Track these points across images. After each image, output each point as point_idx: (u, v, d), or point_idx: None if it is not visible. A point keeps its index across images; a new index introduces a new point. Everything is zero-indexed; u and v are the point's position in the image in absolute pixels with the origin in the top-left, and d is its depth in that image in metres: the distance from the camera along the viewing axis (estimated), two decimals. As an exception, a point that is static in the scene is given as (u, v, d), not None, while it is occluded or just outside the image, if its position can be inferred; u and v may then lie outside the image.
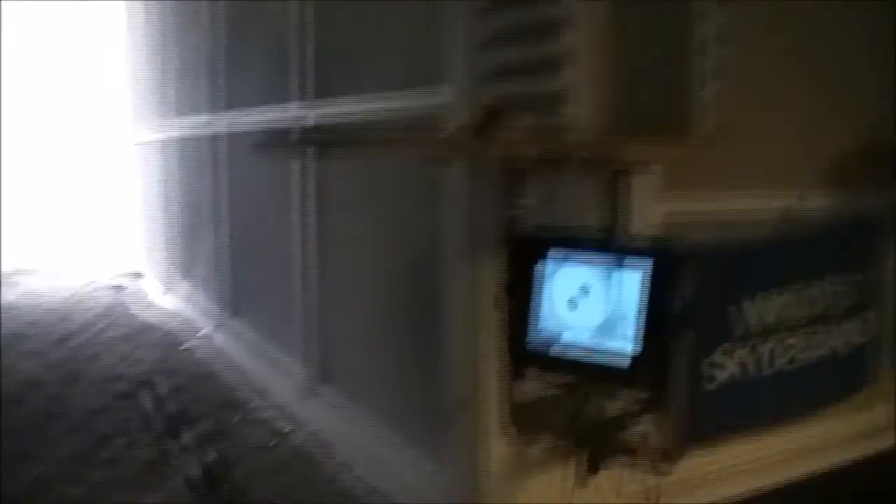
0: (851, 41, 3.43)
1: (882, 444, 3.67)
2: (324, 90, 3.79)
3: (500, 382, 2.32)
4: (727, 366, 3.05)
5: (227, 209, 5.39)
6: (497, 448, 2.63)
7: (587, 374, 2.11)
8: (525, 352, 2.20)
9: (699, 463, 2.89)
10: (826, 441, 3.52)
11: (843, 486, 3.26)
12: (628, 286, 2.08)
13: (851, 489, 3.25)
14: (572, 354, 2.14)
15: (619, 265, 2.10)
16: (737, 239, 3.05)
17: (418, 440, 3.06)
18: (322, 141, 1.95)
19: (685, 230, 2.94)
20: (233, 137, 5.18)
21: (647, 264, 2.06)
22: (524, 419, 2.34)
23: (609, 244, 2.17)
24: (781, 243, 3.24)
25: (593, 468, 2.22)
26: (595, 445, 2.21)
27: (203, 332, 5.44)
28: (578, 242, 2.20)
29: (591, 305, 2.13)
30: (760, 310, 3.15)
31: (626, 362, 2.06)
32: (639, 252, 2.09)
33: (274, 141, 2.44)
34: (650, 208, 2.77)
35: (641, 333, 2.04)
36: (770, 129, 3.16)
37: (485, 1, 2.45)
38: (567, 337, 2.15)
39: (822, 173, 3.41)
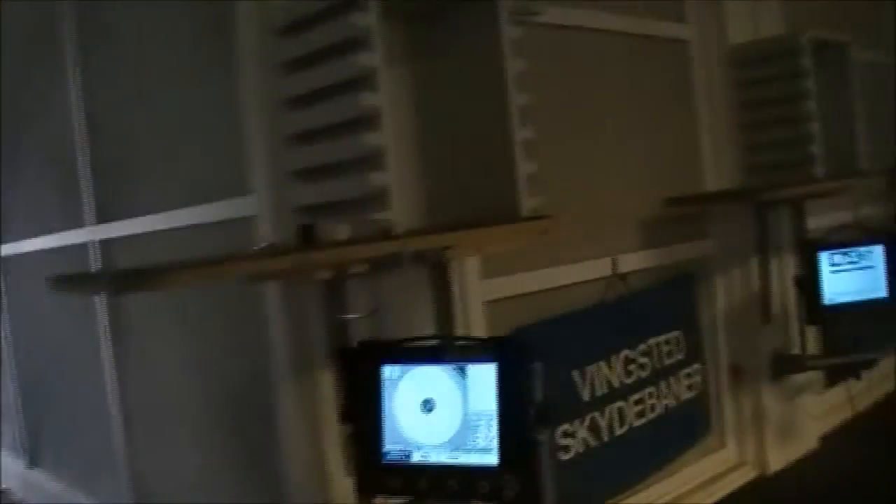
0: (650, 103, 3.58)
1: (745, 476, 3.79)
2: (118, 208, 3.49)
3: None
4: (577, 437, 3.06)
5: (13, 348, 4.86)
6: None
7: (450, 483, 1.94)
8: (379, 467, 2.01)
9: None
10: (691, 488, 3.59)
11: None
12: (477, 390, 1.95)
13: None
14: (433, 462, 1.97)
15: (463, 370, 1.97)
16: (560, 313, 3.10)
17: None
18: (123, 282, 1.71)
19: (510, 311, 2.95)
20: (18, 265, 4.71)
21: (492, 366, 1.94)
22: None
23: (447, 348, 2.03)
24: (605, 311, 3.32)
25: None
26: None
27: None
28: (415, 349, 2.06)
29: (441, 415, 1.99)
30: (594, 379, 3.21)
31: (491, 465, 1.91)
32: (483, 354, 1.96)
33: (71, 281, 2.16)
34: (472, 296, 2.72)
35: (501, 436, 1.91)
36: (580, 200, 3.23)
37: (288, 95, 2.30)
38: (423, 448, 1.99)
39: (637, 236, 3.52)
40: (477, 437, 1.94)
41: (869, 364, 3.77)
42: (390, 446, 2.01)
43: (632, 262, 3.46)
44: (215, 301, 2.82)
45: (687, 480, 3.69)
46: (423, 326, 2.50)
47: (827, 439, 4.17)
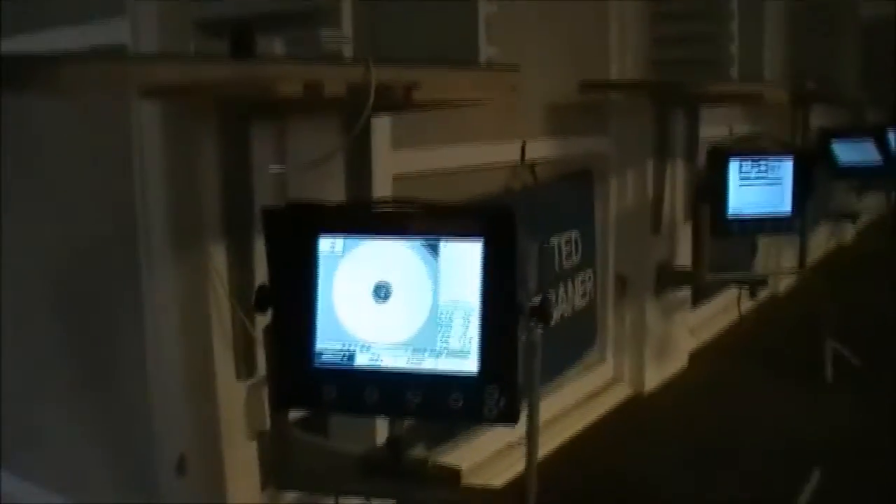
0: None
1: (621, 394, 3.58)
2: None
3: (255, 422, 1.61)
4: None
5: None
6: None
7: (409, 396, 1.47)
8: (307, 373, 1.50)
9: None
10: (570, 405, 3.35)
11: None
12: (453, 275, 1.48)
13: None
14: (386, 368, 1.49)
15: (435, 247, 1.49)
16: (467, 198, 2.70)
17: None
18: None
19: (417, 190, 2.50)
20: None
21: (477, 243, 1.47)
22: (302, 471, 1.64)
23: (413, 217, 1.52)
24: (511, 201, 2.95)
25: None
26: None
27: None
28: (366, 217, 1.55)
29: (400, 306, 1.50)
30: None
31: (467, 373, 1.45)
32: (464, 228, 1.48)
33: None
34: (383, 167, 2.23)
35: (484, 336, 1.46)
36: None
37: None
38: (373, 348, 1.50)
39: (543, 123, 3.16)
40: (449, 337, 1.47)
41: (765, 282, 3.64)
42: (325, 344, 1.51)
43: (538, 149, 3.07)
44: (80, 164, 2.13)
45: (567, 397, 3.43)
46: (334, 194, 1.99)
47: (694, 357, 4.06)
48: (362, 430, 2.07)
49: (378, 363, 1.49)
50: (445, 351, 1.47)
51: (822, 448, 2.96)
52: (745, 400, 3.52)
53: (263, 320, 1.77)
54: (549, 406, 3.30)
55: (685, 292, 3.95)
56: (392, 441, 1.54)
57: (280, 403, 1.53)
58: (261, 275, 1.82)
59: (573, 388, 3.46)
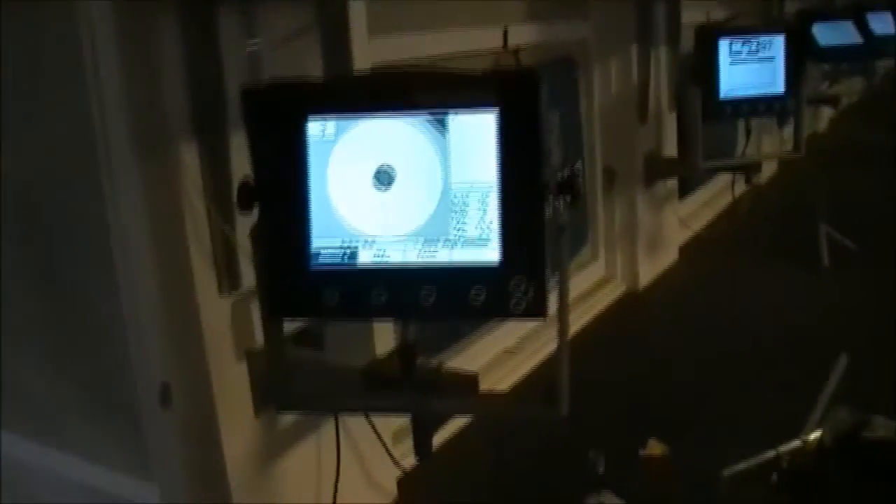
0: None
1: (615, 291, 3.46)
2: None
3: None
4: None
5: None
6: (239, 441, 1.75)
7: (424, 292, 1.29)
8: (303, 277, 1.31)
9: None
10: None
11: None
12: (465, 152, 1.29)
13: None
14: (394, 263, 1.30)
15: (442, 122, 1.29)
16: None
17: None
18: None
19: None
20: None
21: (491, 113, 1.27)
22: (303, 390, 1.46)
23: (415, 88, 1.31)
24: None
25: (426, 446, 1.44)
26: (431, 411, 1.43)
27: None
28: (359, 93, 1.33)
29: (406, 192, 1.31)
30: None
31: (488, 263, 1.28)
32: (476, 96, 1.28)
33: None
34: (360, 56, 2.02)
35: (504, 220, 1.27)
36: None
37: None
38: (377, 243, 1.31)
39: (526, 7, 2.95)
40: (464, 224, 1.29)
41: (759, 167, 3.49)
42: (322, 243, 1.32)
43: (518, 35, 2.86)
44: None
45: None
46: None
47: (686, 249, 3.94)
48: (360, 344, 1.91)
49: (384, 259, 1.31)
50: (461, 240, 1.29)
51: (832, 333, 2.87)
52: (745, 290, 3.41)
53: (248, 223, 1.58)
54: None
55: (672, 183, 3.79)
56: (404, 348, 1.37)
57: (274, 314, 1.34)
58: (240, 173, 1.62)
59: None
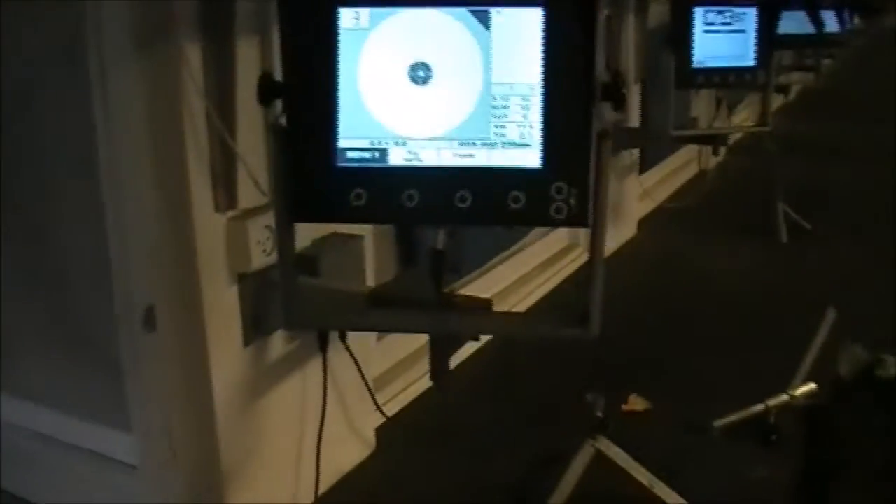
0: None
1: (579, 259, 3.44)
2: None
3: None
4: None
5: None
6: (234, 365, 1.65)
7: (460, 195, 1.21)
8: (329, 174, 1.22)
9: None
10: (530, 271, 3.19)
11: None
12: (508, 51, 1.22)
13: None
14: (428, 165, 1.23)
15: (485, 17, 1.22)
16: None
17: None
18: None
19: None
20: None
21: (537, 10, 1.21)
22: (312, 308, 1.36)
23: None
24: None
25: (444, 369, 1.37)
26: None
27: None
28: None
29: (444, 89, 1.23)
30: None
31: (529, 167, 1.21)
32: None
33: None
34: None
35: (547, 123, 1.21)
36: None
37: None
38: (410, 142, 1.23)
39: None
40: (504, 126, 1.22)
41: (726, 139, 3.51)
42: (350, 142, 1.23)
43: None
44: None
45: (525, 264, 3.25)
46: None
47: (646, 221, 3.94)
48: (353, 274, 1.82)
49: (418, 160, 1.23)
50: (501, 142, 1.23)
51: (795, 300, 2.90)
52: (711, 263, 3.44)
53: (249, 134, 1.49)
54: (509, 272, 3.12)
55: (636, 154, 3.79)
56: (435, 255, 1.29)
57: (296, 214, 1.24)
58: (244, 76, 1.53)
59: (531, 254, 3.28)
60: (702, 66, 3.18)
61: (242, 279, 1.63)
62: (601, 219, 1.25)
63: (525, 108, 1.22)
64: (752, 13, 3.22)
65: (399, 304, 1.40)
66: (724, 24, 3.19)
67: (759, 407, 2.06)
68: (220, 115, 1.50)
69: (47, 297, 1.85)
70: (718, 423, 2.07)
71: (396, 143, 1.23)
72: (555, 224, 1.23)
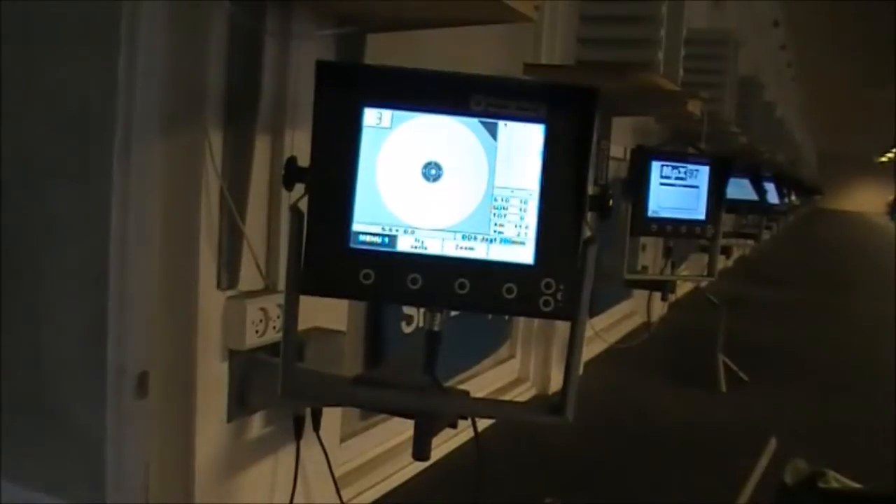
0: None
1: (527, 393, 3.53)
2: None
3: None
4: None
5: None
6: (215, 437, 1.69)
7: (458, 282, 1.34)
8: (340, 254, 1.34)
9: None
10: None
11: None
12: (511, 159, 1.37)
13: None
14: (432, 253, 1.35)
15: (493, 127, 1.38)
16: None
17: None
18: None
19: None
20: None
21: (539, 127, 1.37)
22: (308, 382, 1.44)
23: (470, 90, 1.38)
24: None
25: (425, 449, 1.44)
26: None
27: None
28: (419, 87, 1.40)
29: (452, 188, 1.37)
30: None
31: (522, 263, 1.34)
32: (527, 107, 1.38)
33: None
34: None
35: (542, 225, 1.36)
36: None
37: None
38: (418, 231, 1.36)
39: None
40: (503, 224, 1.36)
41: (673, 287, 3.71)
42: (363, 226, 1.35)
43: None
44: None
45: (475, 391, 3.32)
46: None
47: (596, 361, 4.08)
48: (333, 367, 1.90)
49: (423, 248, 1.35)
50: (499, 238, 1.36)
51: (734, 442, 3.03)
52: (653, 403, 3.56)
53: (257, 220, 1.60)
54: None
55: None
56: (431, 336, 1.39)
57: (306, 285, 1.34)
58: (259, 164, 1.65)
59: (480, 383, 3.37)
60: (656, 215, 3.39)
61: (233, 356, 1.70)
62: (583, 312, 1.38)
63: (522, 210, 1.36)
64: (704, 171, 3.47)
65: (387, 385, 1.48)
66: (678, 178, 3.43)
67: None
68: (232, 196, 1.61)
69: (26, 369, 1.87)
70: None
71: (405, 232, 1.36)
72: (542, 315, 1.35)
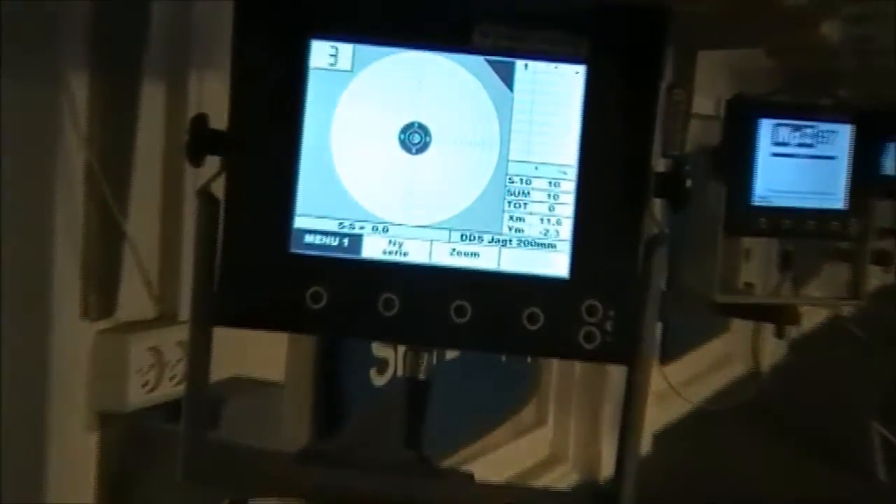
0: None
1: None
2: None
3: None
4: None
5: None
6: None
7: (453, 313, 1.43)
8: (279, 265, 1.43)
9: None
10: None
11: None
12: (536, 118, 1.47)
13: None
14: (415, 264, 1.44)
15: (509, 71, 1.47)
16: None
17: None
18: None
19: None
20: None
21: (579, 68, 1.47)
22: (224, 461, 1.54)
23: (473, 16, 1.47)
24: None
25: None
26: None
27: None
28: (399, 14, 1.48)
29: (443, 163, 1.46)
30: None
31: (554, 277, 1.43)
32: (561, 41, 1.48)
33: None
34: None
35: (580, 220, 1.45)
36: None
37: None
38: (396, 233, 1.45)
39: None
40: (523, 218, 1.46)
41: (798, 315, 3.80)
42: (311, 220, 1.45)
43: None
44: None
45: (486, 474, 3.42)
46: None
47: (661, 438, 4.18)
48: (264, 436, 1.99)
49: (401, 254, 1.44)
50: (517, 239, 1.45)
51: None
52: (766, 496, 3.65)
53: (139, 213, 1.69)
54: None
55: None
56: (416, 387, 1.49)
57: (221, 315, 1.43)
58: (148, 128, 1.74)
59: (493, 462, 3.46)
60: (766, 203, 3.45)
61: (107, 423, 1.79)
62: (647, 353, 1.46)
63: (553, 196, 1.45)
64: (845, 132, 3.52)
65: (348, 464, 1.55)
66: (802, 145, 3.49)
67: None
68: (106, 176, 1.69)
69: None
70: None
71: (374, 230, 1.44)
72: (584, 357, 1.43)
